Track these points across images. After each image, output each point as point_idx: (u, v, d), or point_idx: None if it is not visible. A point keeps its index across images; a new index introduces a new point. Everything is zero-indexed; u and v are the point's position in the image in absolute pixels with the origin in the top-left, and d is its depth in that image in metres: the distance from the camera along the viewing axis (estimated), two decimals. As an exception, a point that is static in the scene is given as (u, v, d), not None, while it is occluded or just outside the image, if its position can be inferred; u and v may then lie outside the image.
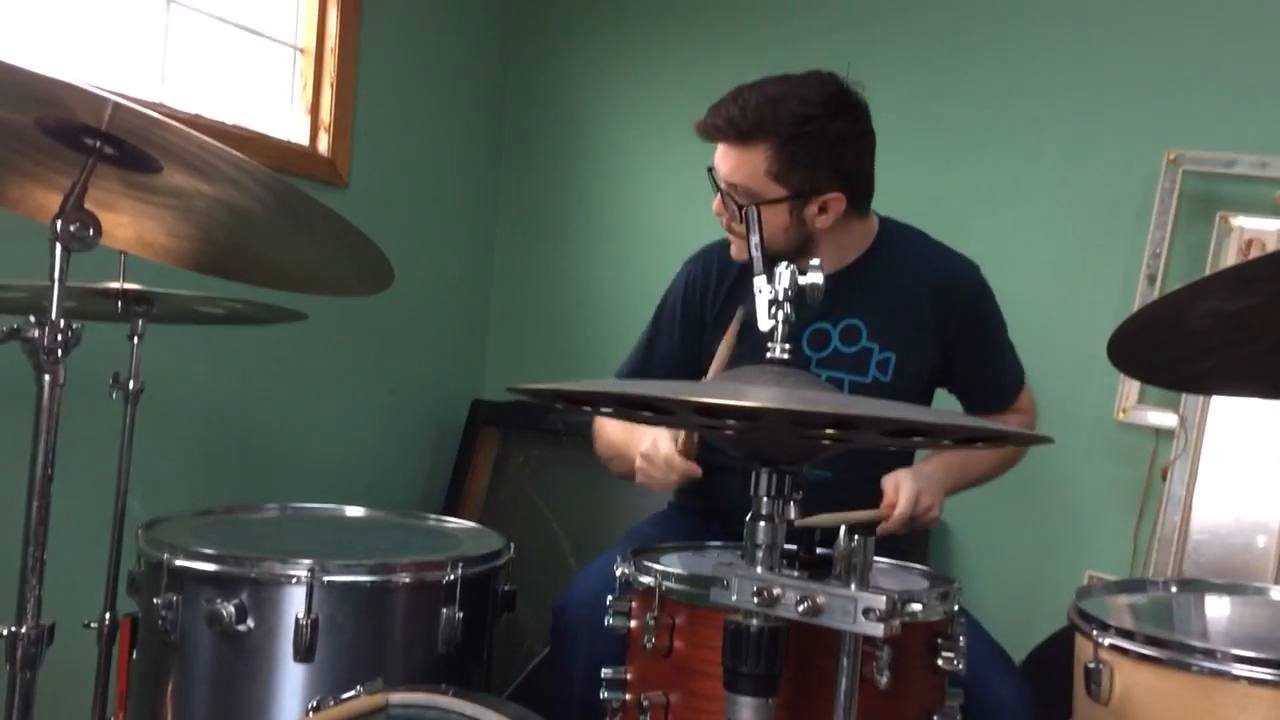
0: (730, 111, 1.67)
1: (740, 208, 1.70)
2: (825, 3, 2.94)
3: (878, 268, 1.81)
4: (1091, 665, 1.30)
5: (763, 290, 1.20)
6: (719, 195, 1.74)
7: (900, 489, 1.63)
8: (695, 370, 1.86)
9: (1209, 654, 1.22)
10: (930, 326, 1.80)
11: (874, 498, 1.82)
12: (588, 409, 1.16)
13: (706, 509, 1.90)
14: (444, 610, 1.52)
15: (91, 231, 1.28)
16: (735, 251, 1.79)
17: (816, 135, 1.66)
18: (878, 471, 1.83)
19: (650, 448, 1.62)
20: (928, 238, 1.87)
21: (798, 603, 1.03)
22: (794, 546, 1.14)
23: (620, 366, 1.97)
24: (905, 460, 1.91)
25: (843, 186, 1.70)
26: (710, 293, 1.86)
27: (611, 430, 1.86)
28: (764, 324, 1.19)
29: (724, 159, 1.71)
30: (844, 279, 1.77)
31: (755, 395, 1.01)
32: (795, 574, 1.08)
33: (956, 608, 1.28)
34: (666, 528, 1.87)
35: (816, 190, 1.69)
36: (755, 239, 1.38)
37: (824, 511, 1.37)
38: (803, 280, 1.19)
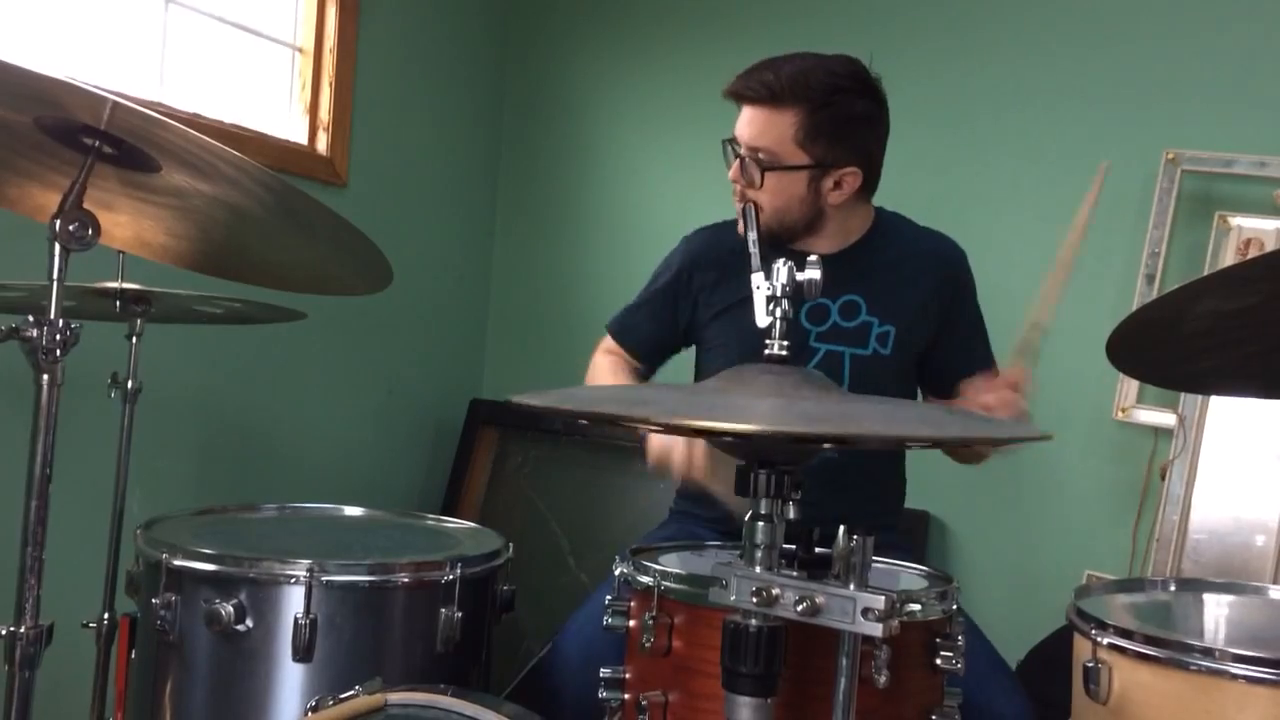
0: (765, 75, 1.72)
1: (761, 170, 1.72)
2: (823, 3, 2.94)
3: (876, 250, 1.85)
4: (1090, 664, 1.30)
5: (760, 286, 1.20)
6: (738, 162, 1.76)
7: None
8: (675, 342, 1.94)
9: (1208, 653, 1.22)
10: (928, 299, 1.84)
11: (879, 477, 1.87)
12: (584, 422, 1.16)
13: (708, 514, 1.90)
14: (443, 610, 1.52)
15: (90, 231, 1.27)
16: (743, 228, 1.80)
17: (843, 108, 1.72)
18: (884, 450, 1.85)
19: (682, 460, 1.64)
20: (918, 225, 1.93)
21: (796, 602, 1.03)
22: (793, 546, 1.14)
23: (611, 319, 2.00)
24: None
25: (860, 164, 1.75)
26: (701, 274, 1.89)
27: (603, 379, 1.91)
28: (762, 320, 1.20)
29: (751, 122, 1.74)
30: (844, 259, 1.80)
31: (753, 411, 1.00)
32: (794, 574, 1.08)
33: (955, 607, 1.28)
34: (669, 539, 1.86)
35: (836, 163, 1.74)
36: (753, 235, 1.38)
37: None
38: (800, 276, 1.19)
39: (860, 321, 1.82)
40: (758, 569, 1.07)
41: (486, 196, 3.34)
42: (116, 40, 2.33)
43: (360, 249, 1.47)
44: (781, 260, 1.20)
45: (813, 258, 1.20)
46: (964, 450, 1.88)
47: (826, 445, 1.06)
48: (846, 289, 1.81)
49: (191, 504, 1.82)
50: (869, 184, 1.80)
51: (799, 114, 1.71)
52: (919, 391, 1.92)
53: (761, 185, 1.74)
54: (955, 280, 1.88)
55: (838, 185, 1.75)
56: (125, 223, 1.54)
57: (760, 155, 1.74)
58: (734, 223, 1.82)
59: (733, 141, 1.77)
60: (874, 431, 0.97)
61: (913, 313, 1.83)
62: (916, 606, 1.22)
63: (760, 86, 1.72)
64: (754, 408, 1.03)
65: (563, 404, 1.07)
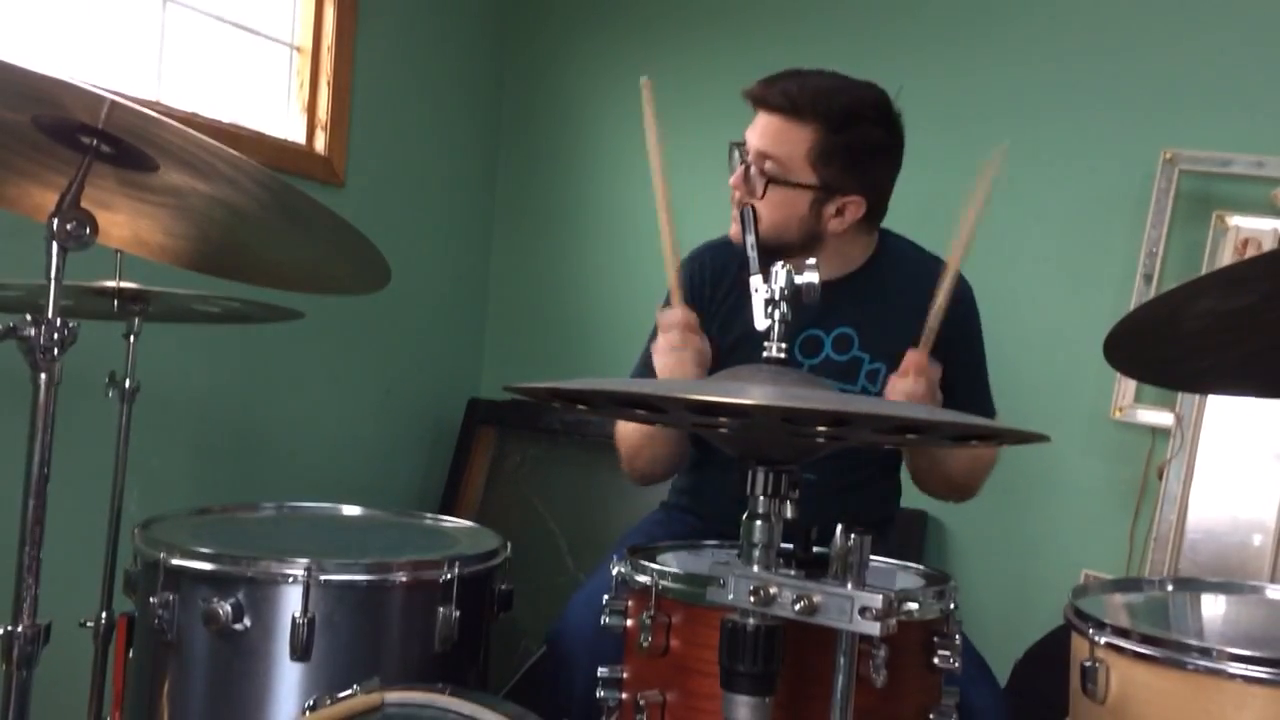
0: (789, 85, 1.68)
1: (766, 182, 1.68)
2: (823, 5, 2.94)
3: (875, 280, 1.81)
4: (1088, 664, 1.30)
5: (758, 289, 1.20)
6: (742, 168, 1.72)
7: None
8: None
9: (1205, 653, 1.22)
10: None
11: (860, 500, 1.81)
12: (583, 408, 1.16)
13: (701, 510, 1.90)
14: (441, 609, 1.52)
15: (88, 230, 1.27)
16: (735, 232, 1.76)
17: (861, 134, 1.69)
18: (864, 475, 1.82)
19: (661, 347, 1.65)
20: (924, 252, 1.87)
21: (794, 601, 1.03)
22: (790, 545, 1.14)
23: (631, 372, 1.94)
24: (894, 463, 1.90)
25: (867, 194, 1.71)
26: (708, 293, 1.84)
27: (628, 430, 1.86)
28: (760, 323, 1.19)
29: (765, 129, 1.70)
30: (841, 288, 1.75)
31: (750, 394, 1.01)
32: (791, 573, 1.08)
33: (953, 606, 1.28)
34: (662, 531, 1.86)
35: (842, 189, 1.69)
36: (750, 239, 1.38)
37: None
38: (799, 279, 1.19)
39: (851, 356, 1.78)
40: (755, 568, 1.07)
41: (485, 196, 3.34)
42: (114, 39, 2.33)
43: (358, 248, 1.47)
44: (780, 263, 1.19)
45: (811, 261, 1.20)
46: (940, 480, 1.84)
47: (821, 433, 1.06)
48: (841, 321, 1.77)
49: (189, 503, 1.82)
50: (873, 215, 1.76)
51: (816, 131, 1.66)
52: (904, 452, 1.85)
53: (763, 197, 1.68)
54: (955, 321, 1.75)
55: (840, 212, 1.71)
56: (123, 222, 1.54)
57: (768, 165, 1.69)
58: (722, 242, 1.80)
59: (741, 146, 1.73)
60: (868, 411, 0.97)
61: (904, 351, 1.73)
62: (914, 606, 1.23)
63: (782, 95, 1.67)
64: (749, 391, 1.03)
65: (558, 387, 1.06)
